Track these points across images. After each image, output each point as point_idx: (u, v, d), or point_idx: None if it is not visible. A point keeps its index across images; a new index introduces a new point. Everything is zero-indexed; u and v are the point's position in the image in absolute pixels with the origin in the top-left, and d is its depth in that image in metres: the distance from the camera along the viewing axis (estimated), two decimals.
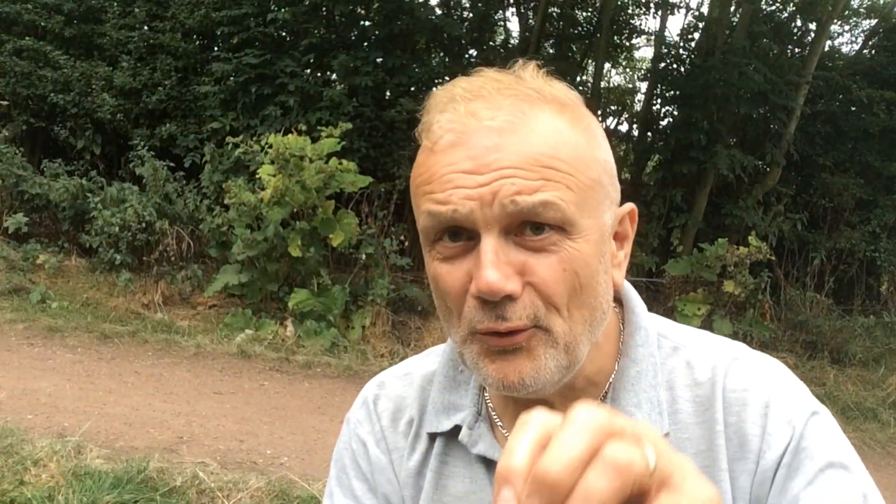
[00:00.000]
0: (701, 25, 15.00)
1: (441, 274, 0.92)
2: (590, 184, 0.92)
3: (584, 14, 16.04)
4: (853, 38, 18.91)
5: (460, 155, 0.90)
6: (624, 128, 18.22)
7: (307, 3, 12.07)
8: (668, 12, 15.13)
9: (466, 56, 13.92)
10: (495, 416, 1.01)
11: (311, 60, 12.15)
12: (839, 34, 16.95)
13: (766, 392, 0.91)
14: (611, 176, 0.97)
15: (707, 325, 9.35)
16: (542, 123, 0.91)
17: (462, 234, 0.90)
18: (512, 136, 0.90)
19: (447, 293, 0.91)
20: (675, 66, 14.46)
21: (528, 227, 0.88)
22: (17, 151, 10.87)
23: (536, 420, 0.53)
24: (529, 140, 0.89)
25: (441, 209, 0.90)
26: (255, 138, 9.69)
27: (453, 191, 0.89)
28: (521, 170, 0.87)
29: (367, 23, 13.01)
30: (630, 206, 1.01)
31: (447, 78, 11.23)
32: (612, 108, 18.58)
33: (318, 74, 12.64)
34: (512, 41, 16.06)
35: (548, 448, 0.50)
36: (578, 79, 15.68)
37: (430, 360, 1.11)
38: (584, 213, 0.89)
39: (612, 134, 17.04)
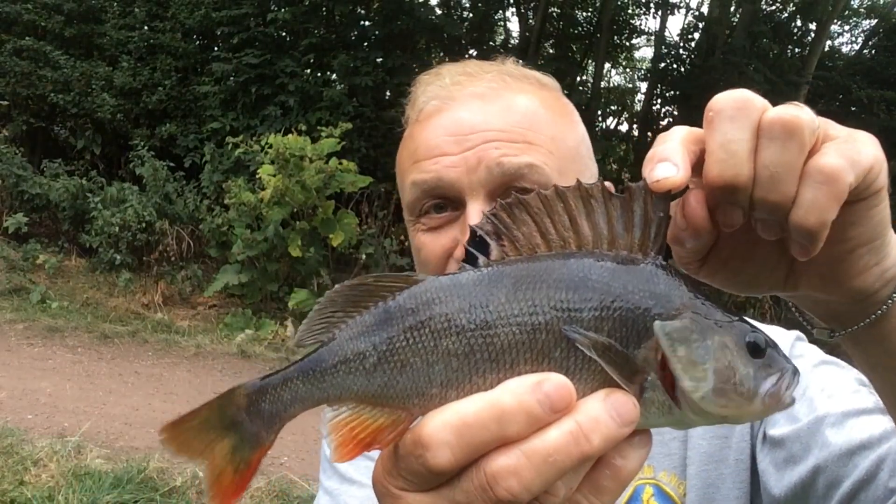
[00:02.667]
0: (701, 25, 15.01)
1: (425, 242, 0.96)
2: (570, 153, 0.98)
3: (584, 14, 16.06)
4: (853, 38, 18.95)
5: (445, 119, 0.95)
6: (624, 128, 18.25)
7: (307, 3, 12.07)
8: (668, 12, 15.16)
9: (466, 56, 13.93)
10: None
11: (311, 60, 12.16)
12: (839, 34, 16.99)
13: None
14: (588, 150, 1.04)
15: None
16: (523, 95, 0.97)
17: (447, 206, 0.95)
18: (495, 103, 0.95)
19: (429, 261, 0.95)
20: (675, 66, 14.48)
21: (513, 193, 0.91)
22: (17, 151, 10.88)
23: (678, 129, 0.55)
24: (511, 108, 0.95)
25: (426, 177, 0.94)
26: (255, 138, 9.69)
27: (438, 158, 0.93)
28: (504, 132, 0.92)
29: (367, 23, 13.03)
30: (608, 184, 1.06)
31: None
32: (612, 108, 18.59)
33: (318, 74, 12.64)
34: (512, 41, 16.06)
35: (712, 149, 0.51)
36: (578, 79, 15.69)
37: None
38: (565, 180, 0.93)
39: (612, 134, 17.04)
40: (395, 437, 0.52)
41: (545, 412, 0.46)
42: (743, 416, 0.52)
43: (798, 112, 0.50)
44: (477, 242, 0.53)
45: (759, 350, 0.51)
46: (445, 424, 0.47)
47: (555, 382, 0.47)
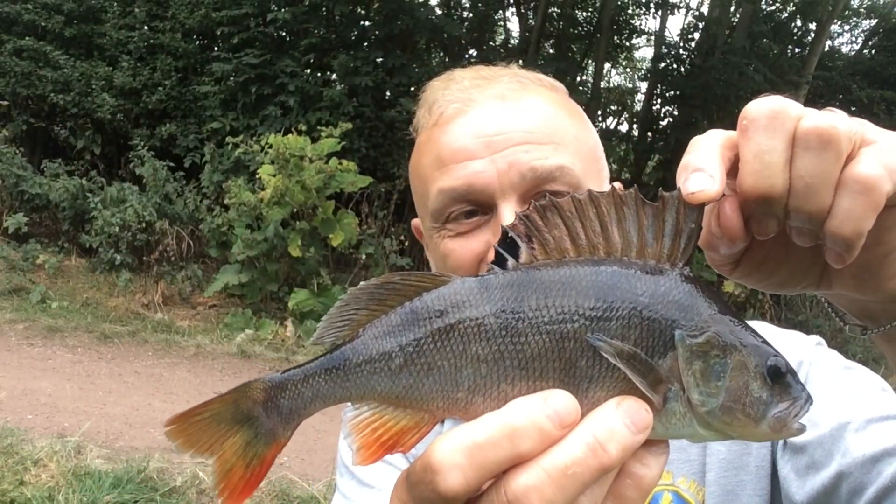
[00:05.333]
0: (701, 25, 15.01)
1: (453, 248, 0.94)
2: (591, 153, 0.98)
3: (584, 14, 16.05)
4: (853, 38, 18.96)
5: (469, 121, 0.94)
6: (624, 128, 18.25)
7: (307, 3, 12.06)
8: (668, 12, 15.16)
9: (466, 56, 13.92)
10: None
11: (311, 60, 12.15)
12: (839, 34, 16.99)
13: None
14: (602, 151, 1.04)
15: None
16: (540, 97, 0.97)
17: (476, 212, 0.93)
18: (517, 104, 0.94)
19: (459, 267, 0.94)
20: (675, 66, 14.47)
21: (547, 196, 0.91)
22: (17, 151, 10.87)
23: (711, 134, 0.54)
24: (533, 109, 0.94)
25: (455, 184, 0.92)
26: (255, 138, 9.69)
27: (466, 162, 0.92)
28: (531, 133, 0.91)
29: (367, 23, 13.01)
30: (618, 184, 1.07)
31: None
32: (612, 108, 18.58)
33: (318, 74, 12.64)
34: (512, 41, 16.06)
35: (747, 159, 0.50)
36: (578, 79, 15.67)
37: None
38: (590, 179, 0.94)
39: (612, 134, 17.04)
40: (418, 439, 0.52)
41: (555, 427, 0.46)
42: (746, 436, 0.52)
43: (835, 120, 0.49)
44: (507, 244, 0.53)
45: (779, 375, 0.50)
46: (455, 446, 0.46)
47: (560, 398, 0.47)
